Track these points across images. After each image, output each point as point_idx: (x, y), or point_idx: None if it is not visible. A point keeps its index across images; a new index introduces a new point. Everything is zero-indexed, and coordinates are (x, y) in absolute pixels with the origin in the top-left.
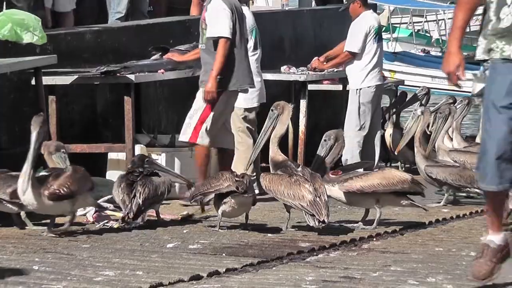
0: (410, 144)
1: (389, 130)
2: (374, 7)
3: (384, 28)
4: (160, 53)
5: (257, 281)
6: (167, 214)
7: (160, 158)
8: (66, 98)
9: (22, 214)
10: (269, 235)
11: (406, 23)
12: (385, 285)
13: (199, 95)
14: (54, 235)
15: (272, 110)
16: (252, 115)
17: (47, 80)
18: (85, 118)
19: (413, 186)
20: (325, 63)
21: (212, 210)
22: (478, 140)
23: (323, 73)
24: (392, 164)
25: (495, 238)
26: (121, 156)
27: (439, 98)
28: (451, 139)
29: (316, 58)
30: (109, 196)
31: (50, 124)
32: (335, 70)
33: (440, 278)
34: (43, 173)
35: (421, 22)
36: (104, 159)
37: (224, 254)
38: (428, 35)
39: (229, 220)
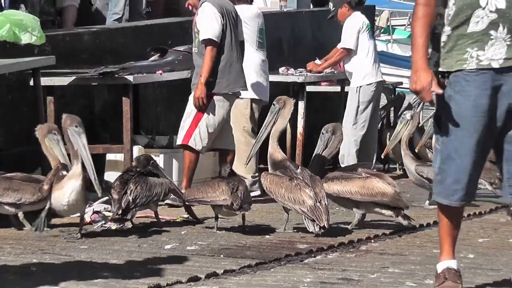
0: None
1: (386, 130)
2: (372, 9)
3: (383, 30)
4: (159, 54)
5: (255, 283)
6: (166, 215)
7: (158, 160)
8: (64, 99)
9: (20, 215)
10: (267, 236)
11: (404, 25)
12: (383, 287)
13: (191, 98)
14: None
15: (274, 105)
16: (256, 109)
17: (45, 81)
18: (83, 119)
19: (394, 201)
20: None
21: (210, 212)
22: None
23: (321, 74)
24: (390, 166)
25: (452, 262)
26: (119, 157)
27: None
28: None
29: (312, 61)
30: (106, 198)
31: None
32: (335, 72)
33: None
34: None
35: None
36: (102, 160)
37: (222, 256)
38: None
39: (226, 222)
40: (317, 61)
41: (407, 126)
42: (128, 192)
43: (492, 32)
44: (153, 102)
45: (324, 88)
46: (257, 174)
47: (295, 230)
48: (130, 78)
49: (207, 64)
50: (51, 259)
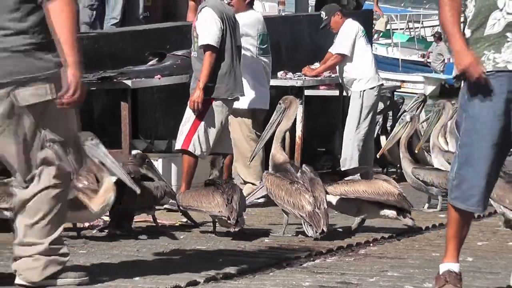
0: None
1: (384, 135)
2: (370, 13)
3: (381, 34)
4: (157, 59)
5: (254, 287)
6: (164, 219)
7: (157, 164)
8: None
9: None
10: (266, 240)
11: (403, 28)
12: None
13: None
14: None
15: (279, 104)
16: (258, 117)
17: None
18: (82, 123)
19: (400, 201)
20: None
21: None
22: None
23: (319, 78)
24: (389, 170)
25: (455, 266)
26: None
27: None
28: (446, 141)
29: (307, 66)
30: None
31: None
32: (333, 75)
33: None
34: None
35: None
36: None
37: (221, 260)
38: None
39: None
40: (316, 65)
41: (406, 128)
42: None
43: (508, 34)
44: (151, 106)
45: (322, 92)
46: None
47: (294, 234)
48: (129, 82)
49: (206, 69)
50: None
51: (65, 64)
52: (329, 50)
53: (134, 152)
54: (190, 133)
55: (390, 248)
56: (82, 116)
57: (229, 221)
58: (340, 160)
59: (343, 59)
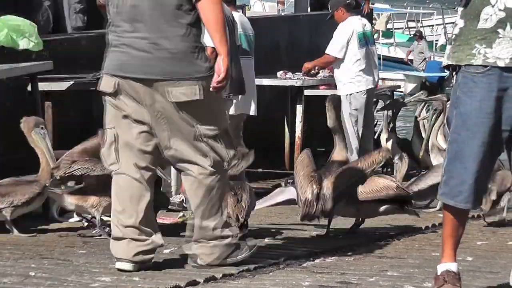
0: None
1: (384, 135)
2: (370, 12)
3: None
4: None
5: (253, 287)
6: (165, 217)
7: None
8: (62, 104)
9: (7, 220)
10: (266, 240)
11: (402, 28)
12: None
13: None
14: None
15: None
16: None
17: (43, 86)
18: (81, 124)
19: (399, 193)
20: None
21: None
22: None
23: (319, 78)
24: (388, 170)
25: (452, 265)
26: None
27: None
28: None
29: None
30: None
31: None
32: (332, 75)
33: None
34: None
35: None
36: None
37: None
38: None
39: None
40: None
41: (397, 168)
42: None
43: (500, 30)
44: None
45: (322, 92)
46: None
47: (294, 234)
48: None
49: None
50: (49, 264)
51: (218, 53)
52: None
53: None
54: None
55: (390, 247)
56: (82, 116)
57: (238, 221)
58: None
59: (334, 60)
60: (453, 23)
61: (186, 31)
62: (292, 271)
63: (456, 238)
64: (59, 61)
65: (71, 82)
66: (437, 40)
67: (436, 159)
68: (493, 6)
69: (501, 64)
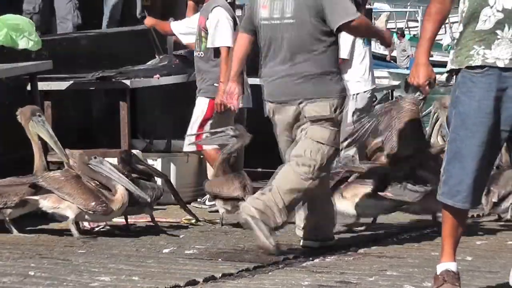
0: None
1: None
2: (369, 12)
3: None
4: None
5: (253, 286)
6: (165, 217)
7: (156, 164)
8: (61, 103)
9: (7, 220)
10: None
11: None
12: None
13: (198, 104)
14: None
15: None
16: None
17: (42, 86)
18: (81, 123)
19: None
20: None
21: (208, 216)
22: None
23: None
24: None
25: (452, 265)
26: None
27: None
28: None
29: None
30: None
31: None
32: None
33: None
34: None
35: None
36: None
37: (220, 259)
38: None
39: (225, 226)
40: None
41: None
42: None
43: (498, 31)
44: (150, 106)
45: None
46: None
47: (293, 234)
48: (127, 82)
49: (226, 70)
50: (49, 263)
51: None
52: None
53: (133, 151)
54: (200, 135)
55: (390, 247)
56: (81, 116)
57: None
58: (341, 159)
59: (342, 62)
60: (457, 22)
61: (325, 58)
62: (291, 270)
63: (455, 238)
64: (59, 61)
65: (71, 82)
66: (441, 39)
67: None
68: (491, 7)
69: (500, 64)
